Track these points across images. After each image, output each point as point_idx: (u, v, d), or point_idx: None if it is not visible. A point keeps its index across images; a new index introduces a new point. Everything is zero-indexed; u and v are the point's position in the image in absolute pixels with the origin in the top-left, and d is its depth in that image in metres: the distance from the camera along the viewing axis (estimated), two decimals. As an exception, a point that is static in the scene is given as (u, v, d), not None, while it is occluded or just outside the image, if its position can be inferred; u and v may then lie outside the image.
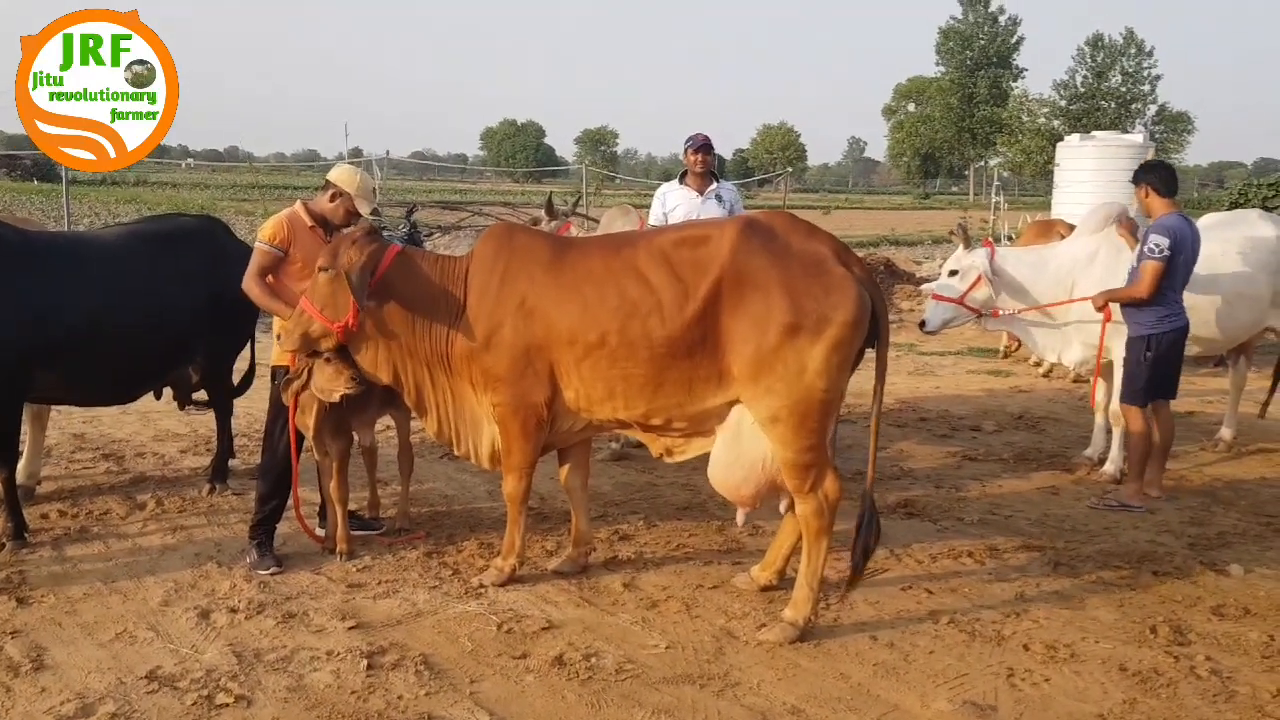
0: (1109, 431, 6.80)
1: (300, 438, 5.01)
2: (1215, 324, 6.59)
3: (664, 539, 5.43)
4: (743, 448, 4.32)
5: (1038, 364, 10.27)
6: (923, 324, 6.86)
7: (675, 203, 7.03)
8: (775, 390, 4.11)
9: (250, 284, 4.81)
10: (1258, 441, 7.48)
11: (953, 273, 6.76)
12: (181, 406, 6.29)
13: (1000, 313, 6.72)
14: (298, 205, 5.05)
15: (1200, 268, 6.48)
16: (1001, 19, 75.50)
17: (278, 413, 5.00)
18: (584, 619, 4.43)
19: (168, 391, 6.23)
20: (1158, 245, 5.85)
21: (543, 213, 7.75)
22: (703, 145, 7.01)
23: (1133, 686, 3.88)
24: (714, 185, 7.04)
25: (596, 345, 4.30)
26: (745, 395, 4.21)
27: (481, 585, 4.73)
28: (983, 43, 75.10)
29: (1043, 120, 63.69)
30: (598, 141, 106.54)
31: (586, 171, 24.38)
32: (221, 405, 6.19)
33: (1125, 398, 6.16)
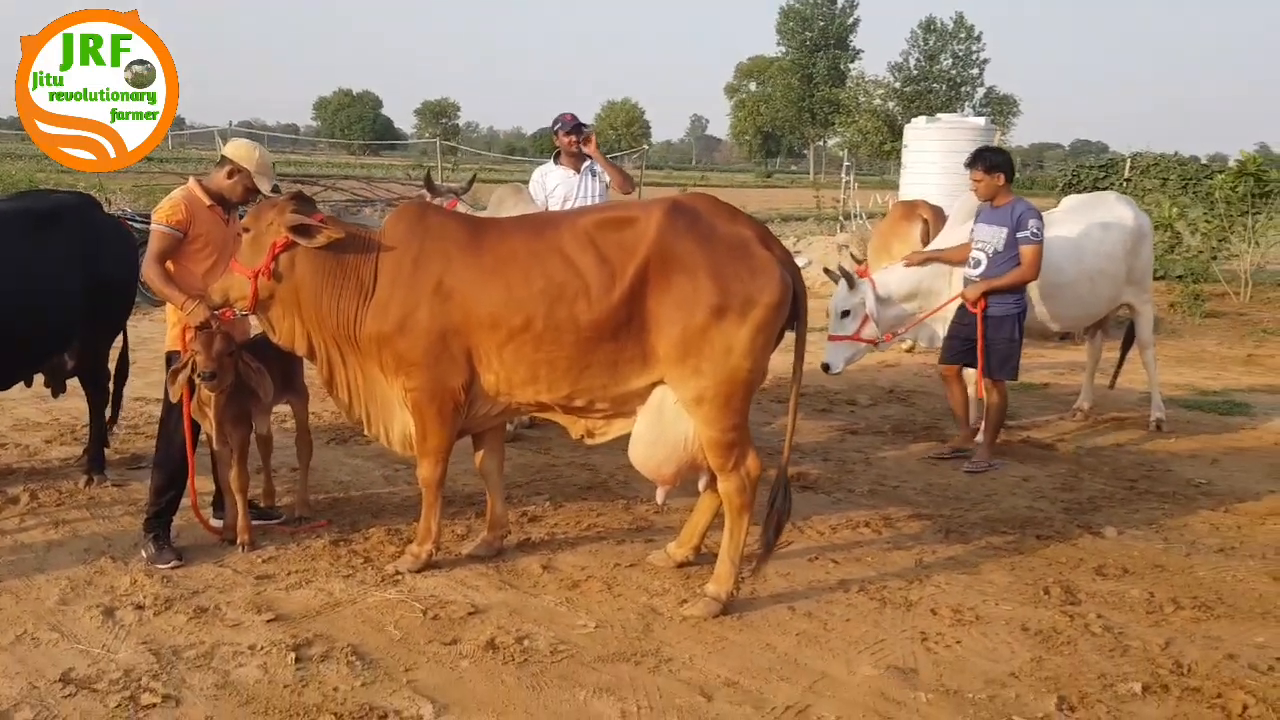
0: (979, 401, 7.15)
1: (195, 428, 4.82)
2: (1081, 301, 7.00)
3: (573, 519, 5.46)
4: (665, 427, 4.38)
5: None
6: (826, 367, 6.91)
7: (555, 183, 7.20)
8: (701, 371, 4.18)
9: (149, 269, 4.59)
10: (1110, 411, 7.99)
11: (844, 314, 6.86)
12: (55, 394, 5.94)
13: (893, 336, 6.96)
14: (192, 183, 4.84)
15: (1067, 248, 6.90)
16: (839, 1, 77.49)
17: (173, 402, 4.79)
18: (508, 602, 4.42)
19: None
20: (1037, 229, 6.22)
21: (424, 190, 7.62)
22: (574, 129, 7.14)
23: (1037, 645, 4.13)
24: (587, 161, 7.16)
25: (521, 329, 4.27)
26: (670, 376, 4.27)
27: (398, 572, 4.66)
28: (822, 24, 76.86)
29: (878, 101, 65.72)
30: (438, 114, 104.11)
31: (441, 146, 23.93)
32: (96, 393, 5.87)
33: (997, 373, 6.48)
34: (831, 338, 6.94)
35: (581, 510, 5.60)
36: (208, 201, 4.76)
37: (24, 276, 5.10)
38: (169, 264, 4.67)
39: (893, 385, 9.01)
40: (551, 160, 7.33)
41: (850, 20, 77.56)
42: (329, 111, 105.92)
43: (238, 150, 4.81)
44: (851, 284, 6.87)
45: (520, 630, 4.14)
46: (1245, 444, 7.25)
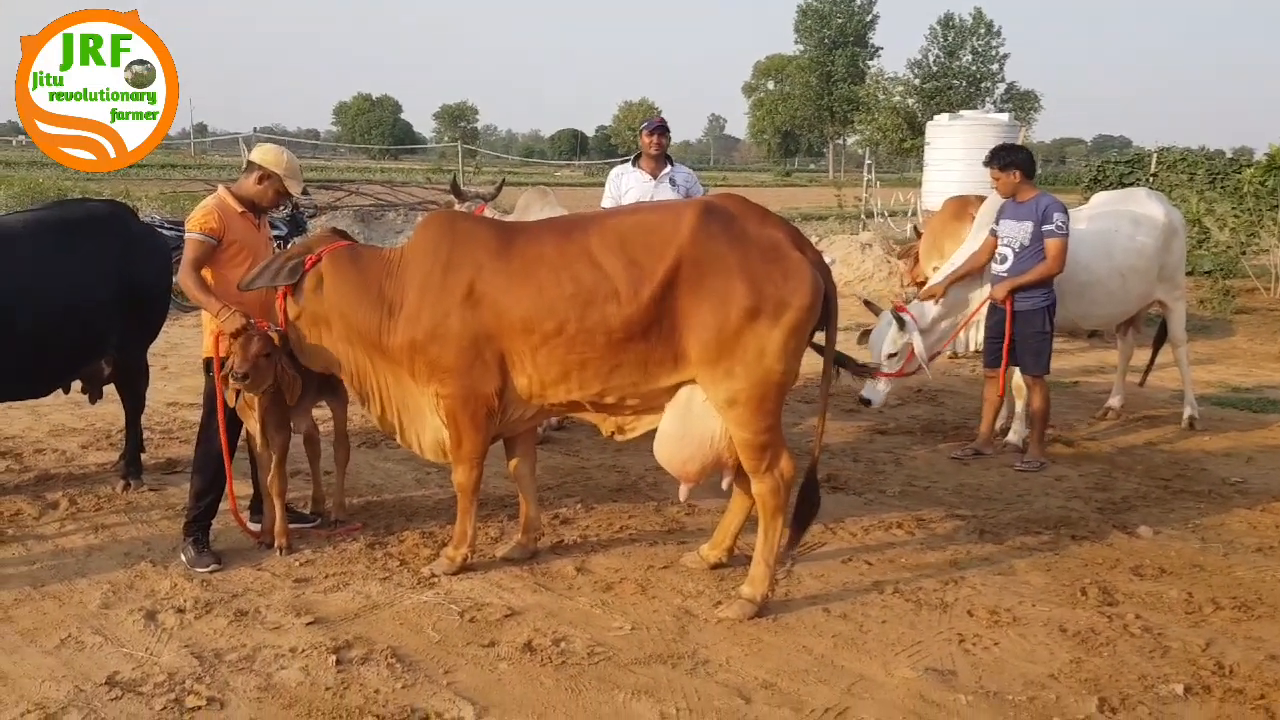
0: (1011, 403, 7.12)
1: (231, 431, 4.86)
2: (1111, 298, 6.97)
3: (605, 521, 5.47)
4: (691, 424, 4.38)
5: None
6: (868, 402, 6.77)
7: (629, 186, 7.05)
8: (734, 373, 4.18)
9: (185, 277, 4.63)
10: (1142, 409, 7.95)
11: (890, 355, 6.71)
12: (93, 400, 6.01)
13: (930, 360, 6.83)
14: (222, 191, 4.88)
15: (1097, 245, 6.87)
16: (857, -1, 77.24)
17: (212, 406, 4.83)
18: (544, 604, 4.44)
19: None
20: (1062, 222, 6.21)
21: (451, 195, 7.65)
22: (659, 128, 7.03)
23: (1075, 647, 4.11)
24: (668, 168, 7.06)
25: (554, 332, 4.28)
26: (703, 378, 4.26)
27: (433, 575, 4.69)
28: (840, 21, 76.63)
29: (898, 98, 65.44)
30: (457, 117, 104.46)
31: (460, 149, 24.02)
32: (134, 398, 5.93)
33: (1033, 369, 6.48)
34: (875, 374, 6.80)
35: (613, 512, 5.62)
36: (239, 208, 4.81)
37: (60, 284, 5.16)
38: (205, 271, 4.72)
39: (919, 384, 8.95)
40: (630, 162, 7.22)
41: (869, 17, 77.32)
42: (349, 116, 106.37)
43: (265, 155, 4.85)
44: (901, 325, 6.65)
45: (557, 632, 4.16)
46: None
